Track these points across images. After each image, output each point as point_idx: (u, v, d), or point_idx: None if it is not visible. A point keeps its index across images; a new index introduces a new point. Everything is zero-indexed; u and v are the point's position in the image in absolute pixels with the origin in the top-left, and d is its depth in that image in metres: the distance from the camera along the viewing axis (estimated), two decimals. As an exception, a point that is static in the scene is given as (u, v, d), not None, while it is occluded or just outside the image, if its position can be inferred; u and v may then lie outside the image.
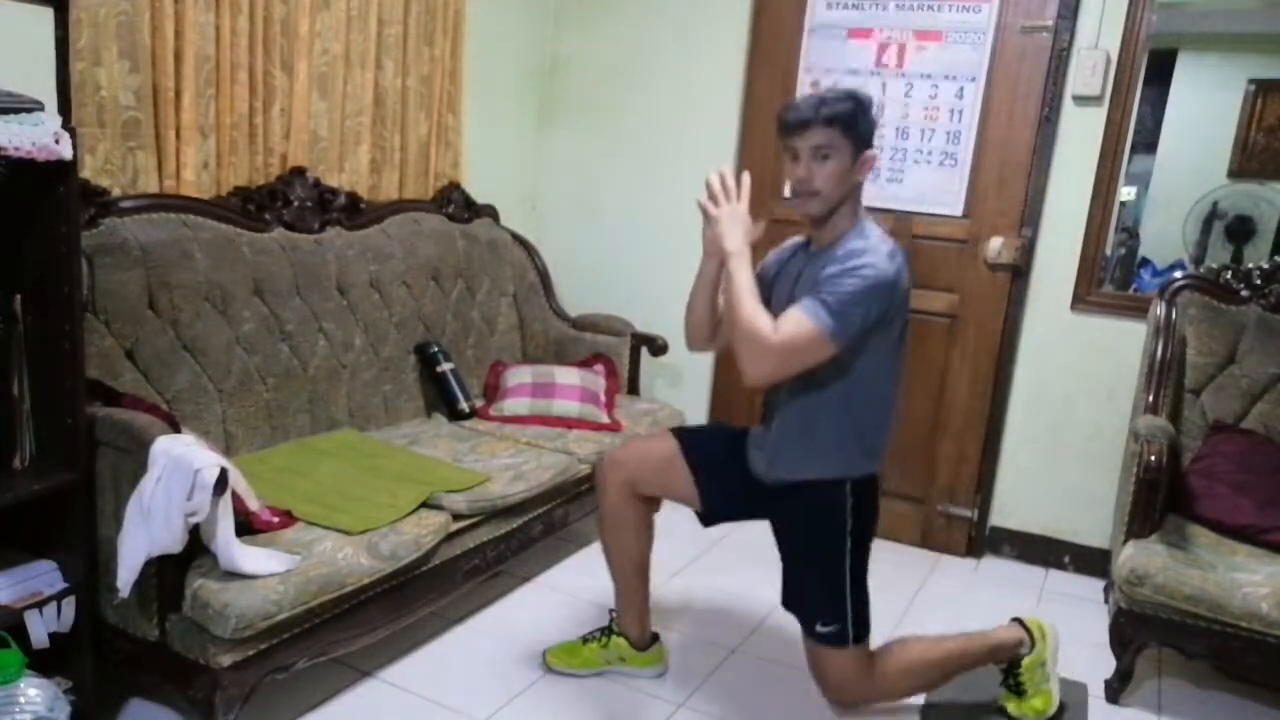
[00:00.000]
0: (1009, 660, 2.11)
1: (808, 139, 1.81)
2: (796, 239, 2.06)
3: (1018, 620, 2.13)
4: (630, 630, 2.23)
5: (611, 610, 2.27)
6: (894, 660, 2.02)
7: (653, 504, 2.17)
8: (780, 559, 2.03)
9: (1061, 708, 2.14)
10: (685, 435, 2.14)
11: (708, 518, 2.14)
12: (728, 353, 1.93)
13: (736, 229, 1.85)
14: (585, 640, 2.26)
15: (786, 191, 1.97)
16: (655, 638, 2.28)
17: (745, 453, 2.05)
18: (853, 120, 1.80)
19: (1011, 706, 2.13)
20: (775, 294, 1.96)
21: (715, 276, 1.97)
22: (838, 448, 1.90)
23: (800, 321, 1.74)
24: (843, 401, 1.87)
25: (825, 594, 1.94)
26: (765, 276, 2.02)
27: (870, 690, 2.02)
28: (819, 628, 1.94)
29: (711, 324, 2.04)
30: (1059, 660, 2.15)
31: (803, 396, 1.89)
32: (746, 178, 1.89)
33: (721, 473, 2.07)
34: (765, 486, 1.99)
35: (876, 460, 1.96)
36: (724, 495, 2.08)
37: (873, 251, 1.78)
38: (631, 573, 2.19)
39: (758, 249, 1.87)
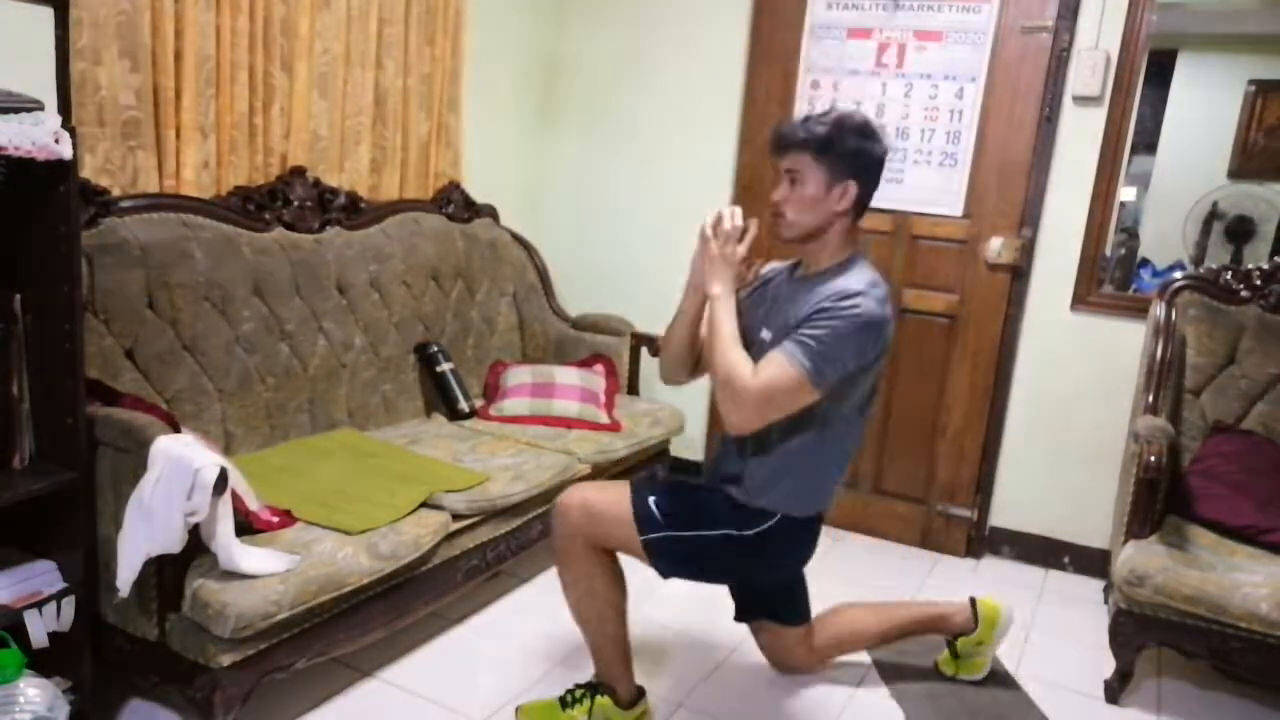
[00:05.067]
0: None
1: (783, 160, 1.77)
2: (778, 265, 1.99)
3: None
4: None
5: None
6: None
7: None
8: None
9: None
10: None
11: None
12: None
13: (726, 272, 1.79)
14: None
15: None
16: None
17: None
18: (826, 145, 1.72)
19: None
20: (750, 315, 1.88)
21: (696, 313, 1.90)
22: (803, 490, 1.86)
23: (781, 365, 1.68)
24: (817, 447, 1.82)
25: (672, 524, 1.84)
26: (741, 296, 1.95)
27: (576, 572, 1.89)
28: (649, 512, 1.83)
29: (690, 359, 1.97)
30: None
31: (781, 442, 1.82)
32: (754, 225, 1.82)
33: None
34: None
35: (825, 500, 1.92)
36: None
37: (864, 295, 1.69)
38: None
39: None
